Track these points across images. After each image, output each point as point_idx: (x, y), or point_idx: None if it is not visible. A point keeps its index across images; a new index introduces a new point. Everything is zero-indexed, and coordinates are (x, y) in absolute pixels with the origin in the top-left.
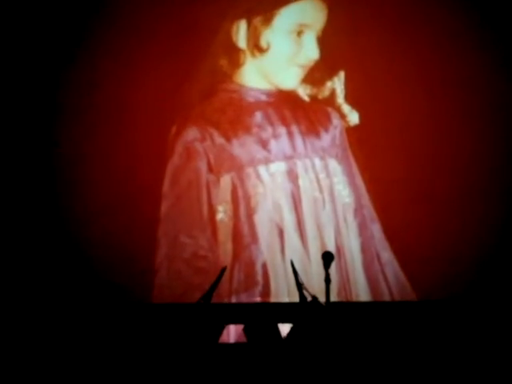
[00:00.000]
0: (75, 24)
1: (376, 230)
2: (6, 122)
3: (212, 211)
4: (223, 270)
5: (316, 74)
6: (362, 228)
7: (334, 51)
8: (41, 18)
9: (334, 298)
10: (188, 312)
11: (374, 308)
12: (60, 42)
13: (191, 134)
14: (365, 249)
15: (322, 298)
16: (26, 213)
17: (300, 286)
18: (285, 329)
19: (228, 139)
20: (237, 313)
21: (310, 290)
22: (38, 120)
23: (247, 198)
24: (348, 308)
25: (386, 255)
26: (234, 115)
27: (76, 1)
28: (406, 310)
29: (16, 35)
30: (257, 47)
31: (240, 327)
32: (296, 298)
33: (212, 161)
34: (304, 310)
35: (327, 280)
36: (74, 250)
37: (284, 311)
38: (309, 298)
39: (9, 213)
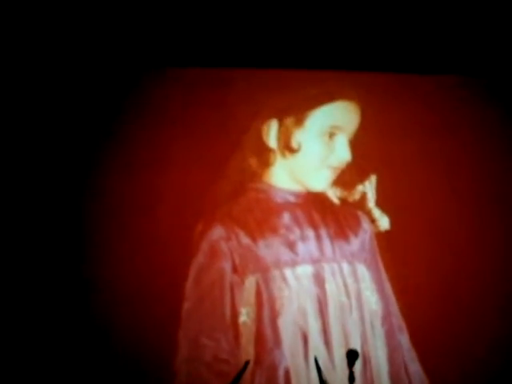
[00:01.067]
0: (106, 115)
1: (404, 339)
2: (37, 214)
3: (235, 313)
4: (246, 363)
5: (347, 177)
6: (390, 337)
7: (365, 154)
8: (73, 106)
9: None
10: None
11: None
12: (92, 132)
13: (217, 232)
14: (392, 359)
15: None
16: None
17: (323, 382)
18: None
19: (254, 240)
20: None
21: None
22: (67, 207)
23: (272, 301)
24: None
25: (414, 366)
26: (262, 216)
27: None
28: None
29: (49, 123)
30: (287, 148)
31: None
32: None
33: (237, 261)
34: None
35: (351, 379)
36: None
37: None
38: None
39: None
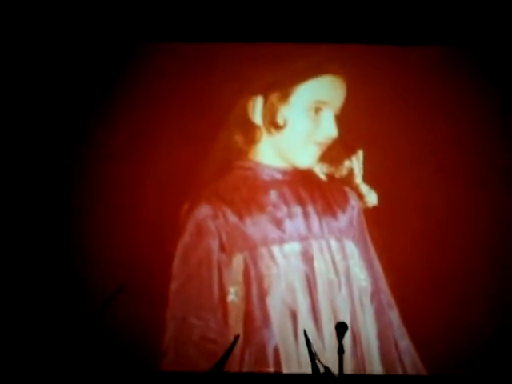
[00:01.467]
0: (92, 98)
1: (394, 316)
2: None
3: (223, 292)
4: (236, 338)
5: (333, 153)
6: (379, 313)
7: (352, 129)
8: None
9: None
10: (200, 381)
11: (387, 381)
12: (77, 117)
13: (203, 211)
14: (382, 335)
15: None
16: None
17: (313, 356)
18: None
19: (241, 218)
20: (249, 383)
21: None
22: (53, 193)
23: (260, 279)
24: (361, 380)
25: (404, 343)
26: (248, 193)
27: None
28: None
29: (32, 113)
30: (273, 124)
31: None
32: None
33: (224, 240)
34: (317, 382)
35: (340, 351)
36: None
37: (297, 382)
38: (322, 370)
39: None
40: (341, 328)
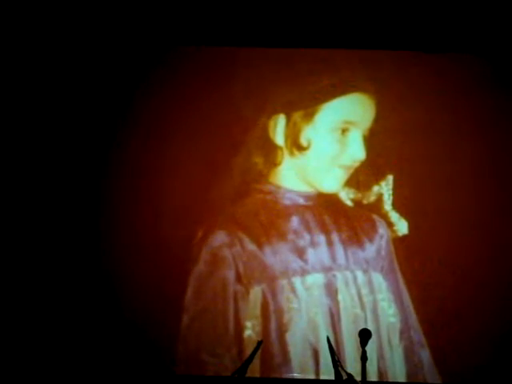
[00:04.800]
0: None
1: (425, 355)
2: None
3: (239, 327)
4: (260, 342)
5: (361, 177)
6: (409, 353)
7: (381, 152)
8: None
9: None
10: None
11: None
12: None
13: (219, 238)
14: (411, 377)
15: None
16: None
17: (336, 363)
18: None
19: (260, 246)
20: None
21: None
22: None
23: (279, 314)
24: None
25: None
26: (268, 219)
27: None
28: None
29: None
30: (296, 145)
31: None
32: None
33: (241, 270)
34: None
35: (363, 358)
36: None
37: None
38: (344, 377)
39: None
40: (364, 335)
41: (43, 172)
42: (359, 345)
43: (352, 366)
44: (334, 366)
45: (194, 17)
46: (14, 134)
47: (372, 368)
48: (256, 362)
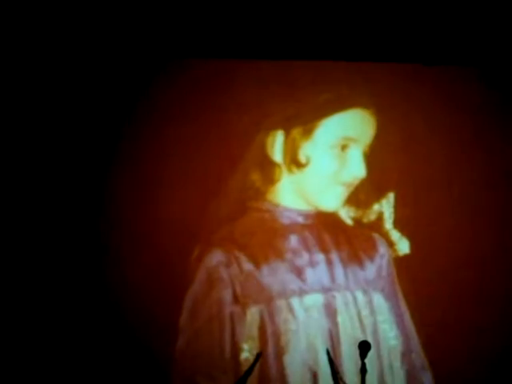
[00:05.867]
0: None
1: (427, 380)
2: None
3: (235, 349)
4: (259, 354)
5: (361, 195)
6: (411, 377)
7: (382, 170)
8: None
9: None
10: None
11: None
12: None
13: (215, 258)
14: None
15: None
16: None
17: (336, 375)
18: None
19: (257, 265)
20: None
21: None
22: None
23: (277, 336)
24: None
25: None
26: (266, 238)
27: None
28: None
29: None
30: (294, 162)
31: None
32: None
33: (238, 290)
34: None
35: (363, 370)
36: None
37: None
38: None
39: None
40: (363, 347)
41: (39, 182)
42: (359, 370)
43: None
44: (333, 379)
45: (189, 31)
46: (9, 145)
47: None
48: None
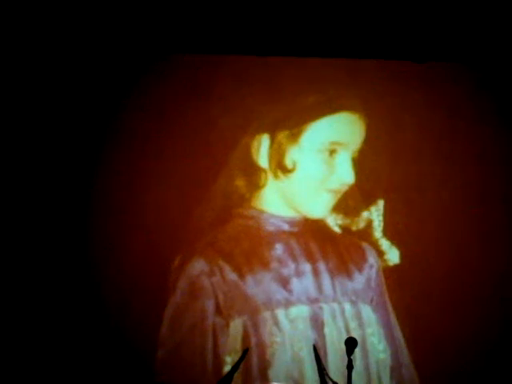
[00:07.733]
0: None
1: None
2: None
3: (218, 362)
4: (246, 350)
5: (350, 202)
6: None
7: (371, 175)
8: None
9: None
10: None
11: None
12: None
13: (197, 267)
14: None
15: None
16: None
17: (322, 371)
18: None
19: (241, 275)
20: None
21: None
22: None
23: (261, 348)
24: None
25: None
26: (250, 246)
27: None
28: None
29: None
30: (281, 167)
31: None
32: None
33: (221, 301)
34: None
35: (349, 366)
36: None
37: None
38: None
39: None
40: (350, 343)
41: (28, 185)
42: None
43: None
44: (319, 375)
45: (174, 28)
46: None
47: None
48: None
